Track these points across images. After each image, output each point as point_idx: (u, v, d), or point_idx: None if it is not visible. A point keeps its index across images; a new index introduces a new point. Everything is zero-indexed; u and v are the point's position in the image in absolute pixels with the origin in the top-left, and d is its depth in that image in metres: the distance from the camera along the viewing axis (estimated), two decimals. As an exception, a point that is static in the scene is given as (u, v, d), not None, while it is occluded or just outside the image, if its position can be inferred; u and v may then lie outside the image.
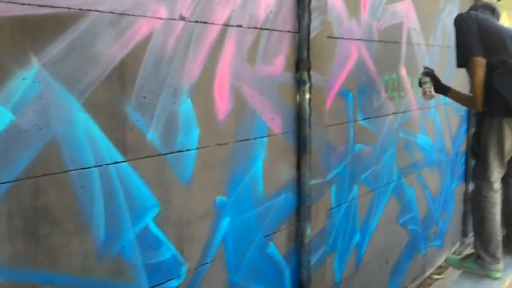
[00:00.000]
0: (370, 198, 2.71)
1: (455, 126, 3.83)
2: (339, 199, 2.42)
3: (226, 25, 1.75)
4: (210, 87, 1.70)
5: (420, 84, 2.90)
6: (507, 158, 2.73)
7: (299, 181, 2.10)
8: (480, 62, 2.60)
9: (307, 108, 2.07)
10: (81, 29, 1.33)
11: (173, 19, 1.57)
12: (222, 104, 1.76)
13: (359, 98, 2.53)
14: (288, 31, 2.03)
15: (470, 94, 2.83)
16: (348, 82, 2.44)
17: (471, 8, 3.02)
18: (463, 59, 2.68)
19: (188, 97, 1.62)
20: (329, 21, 2.24)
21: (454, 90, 2.98)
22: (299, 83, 2.07)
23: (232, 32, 1.77)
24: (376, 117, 2.70)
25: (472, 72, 2.63)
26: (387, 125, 2.82)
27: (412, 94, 3.08)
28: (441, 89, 2.91)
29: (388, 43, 2.77)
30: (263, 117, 1.93)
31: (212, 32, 1.70)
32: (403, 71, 2.96)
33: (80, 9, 1.32)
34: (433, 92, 2.85)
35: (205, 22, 1.67)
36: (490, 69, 2.60)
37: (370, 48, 2.59)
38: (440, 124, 3.55)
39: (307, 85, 2.06)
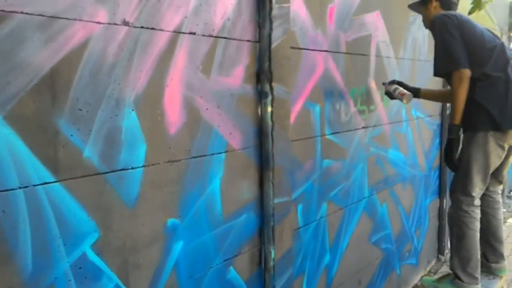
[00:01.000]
0: (340, 216, 2.57)
1: (427, 140, 3.76)
2: (307, 218, 2.28)
3: (177, 32, 1.61)
4: (159, 98, 1.56)
5: (391, 95, 2.80)
6: (490, 173, 2.63)
7: (261, 200, 1.95)
8: (466, 74, 2.45)
9: (270, 122, 1.94)
10: (3, 34, 1.18)
11: (115, 24, 1.43)
12: (174, 118, 1.61)
13: (326, 112, 2.41)
14: (248, 40, 1.90)
15: (443, 89, 2.72)
16: (315, 94, 2.32)
17: None
18: (446, 69, 2.53)
19: (132, 110, 1.47)
20: (293, 31, 2.12)
21: (424, 90, 2.94)
22: (261, 96, 1.94)
23: (184, 40, 1.64)
24: (345, 131, 2.59)
25: (456, 85, 2.46)
26: (357, 140, 2.70)
27: (382, 107, 2.98)
28: (411, 91, 2.83)
29: (356, 55, 2.68)
30: (221, 132, 1.79)
31: (161, 39, 1.56)
32: (372, 84, 2.87)
33: (2, 10, 1.17)
34: (408, 92, 2.75)
35: (152, 28, 1.53)
36: (471, 82, 2.47)
37: (337, 60, 2.49)
38: (412, 139, 3.47)
39: (269, 98, 1.94)
